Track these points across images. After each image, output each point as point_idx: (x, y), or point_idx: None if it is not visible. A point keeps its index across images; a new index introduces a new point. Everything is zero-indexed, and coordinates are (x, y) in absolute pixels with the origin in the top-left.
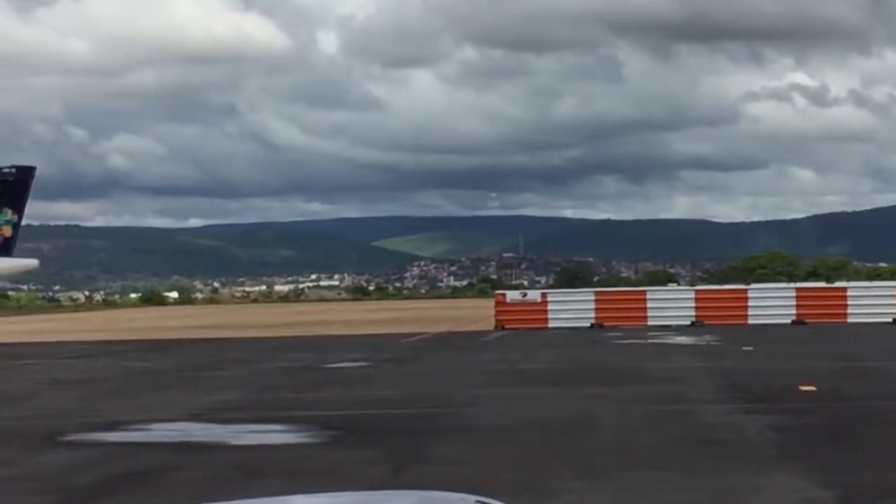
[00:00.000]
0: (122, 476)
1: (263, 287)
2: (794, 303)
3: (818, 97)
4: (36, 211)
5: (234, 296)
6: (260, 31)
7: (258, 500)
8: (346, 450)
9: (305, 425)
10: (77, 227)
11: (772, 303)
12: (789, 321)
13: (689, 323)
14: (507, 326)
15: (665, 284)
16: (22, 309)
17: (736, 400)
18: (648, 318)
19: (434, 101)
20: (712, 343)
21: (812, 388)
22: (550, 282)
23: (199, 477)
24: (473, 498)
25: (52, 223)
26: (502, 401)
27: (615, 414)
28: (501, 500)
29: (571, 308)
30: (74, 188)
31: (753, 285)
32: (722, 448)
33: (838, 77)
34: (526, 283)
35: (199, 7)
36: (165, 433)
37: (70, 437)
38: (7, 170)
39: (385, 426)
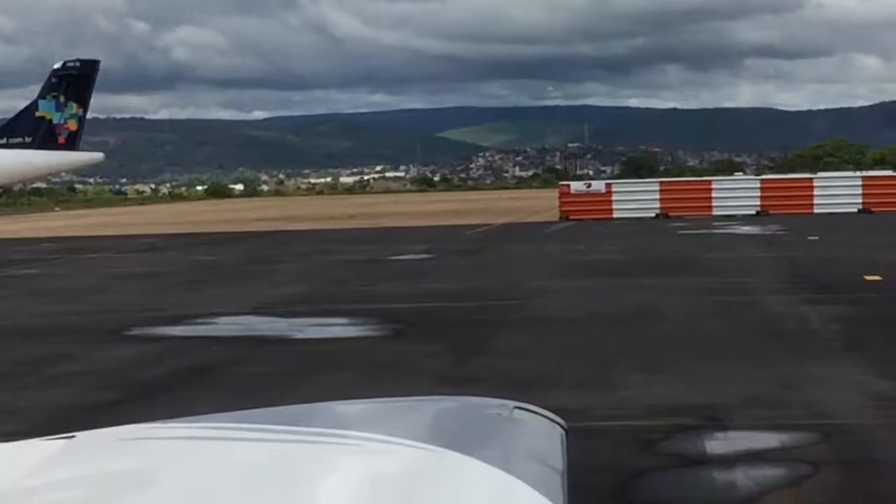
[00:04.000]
0: (187, 370)
1: (328, 179)
2: (861, 192)
3: None
4: (101, 104)
5: (299, 188)
6: None
7: (299, 407)
8: (408, 342)
9: (369, 318)
10: (142, 119)
11: (838, 192)
12: (855, 210)
13: (754, 213)
14: (571, 217)
15: (731, 174)
16: (89, 202)
17: (800, 290)
18: (713, 208)
19: None
20: (777, 233)
21: (877, 277)
22: (616, 172)
23: (264, 371)
24: (513, 404)
25: (118, 116)
26: (566, 292)
27: (679, 305)
28: (564, 392)
29: (636, 198)
30: (139, 81)
31: (819, 174)
32: (786, 339)
33: None
34: (591, 173)
35: None
36: (230, 327)
37: (135, 331)
38: (71, 63)
39: (448, 318)
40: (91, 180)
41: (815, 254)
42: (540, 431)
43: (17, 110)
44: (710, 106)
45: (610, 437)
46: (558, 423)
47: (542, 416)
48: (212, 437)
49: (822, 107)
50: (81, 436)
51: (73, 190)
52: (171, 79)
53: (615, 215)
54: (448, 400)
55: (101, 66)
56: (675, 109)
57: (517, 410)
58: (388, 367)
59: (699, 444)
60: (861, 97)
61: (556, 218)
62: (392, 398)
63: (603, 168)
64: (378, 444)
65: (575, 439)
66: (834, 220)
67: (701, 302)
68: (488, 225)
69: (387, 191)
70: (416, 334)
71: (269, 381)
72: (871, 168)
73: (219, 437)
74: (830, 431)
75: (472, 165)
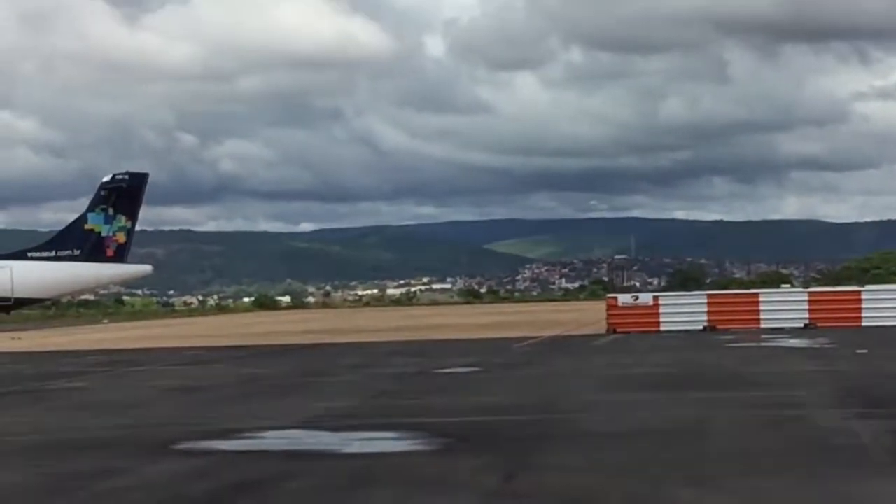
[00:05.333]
0: (235, 486)
1: (375, 291)
2: None
3: None
4: (149, 217)
5: (346, 300)
6: (367, 35)
7: None
8: (458, 457)
9: (417, 432)
10: (190, 231)
11: (886, 304)
12: None
13: (802, 325)
14: (618, 330)
15: (778, 286)
16: (137, 314)
17: (850, 405)
18: (761, 321)
19: (541, 103)
20: (826, 346)
21: None
22: (663, 283)
23: (312, 486)
24: None
25: (166, 228)
26: (615, 406)
27: (728, 419)
28: None
29: (683, 311)
30: (186, 193)
31: (867, 286)
32: (836, 454)
33: None
34: (638, 284)
35: (306, 11)
36: (277, 441)
37: (182, 446)
38: (121, 176)
39: (498, 433)
40: (139, 292)
41: (864, 368)
42: None
43: (67, 223)
44: (756, 218)
45: None
46: None
47: None
48: None
49: (868, 219)
50: None
51: (121, 302)
52: (218, 191)
53: (662, 328)
54: None
55: (150, 178)
56: (721, 221)
57: None
58: (438, 482)
59: None
60: None
61: (604, 330)
62: None
63: (650, 280)
64: None
65: None
66: (883, 334)
67: (750, 416)
68: (536, 337)
69: (434, 303)
70: (465, 449)
71: (316, 497)
72: None
73: None
74: None
75: (518, 277)
